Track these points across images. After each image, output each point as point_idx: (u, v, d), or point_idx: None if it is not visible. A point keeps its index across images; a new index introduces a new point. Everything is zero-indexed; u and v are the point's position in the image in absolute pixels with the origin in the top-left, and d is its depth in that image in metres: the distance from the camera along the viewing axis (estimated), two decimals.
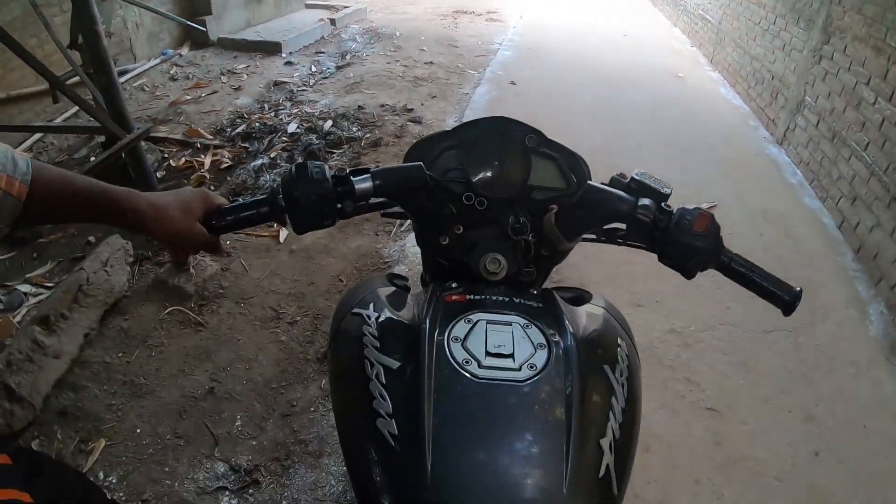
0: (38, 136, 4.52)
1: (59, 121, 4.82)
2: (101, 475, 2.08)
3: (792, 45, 5.31)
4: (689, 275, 0.92)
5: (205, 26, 6.85)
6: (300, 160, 4.20)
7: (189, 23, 6.06)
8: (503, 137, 1.10)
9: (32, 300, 2.85)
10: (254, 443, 2.24)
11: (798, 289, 0.92)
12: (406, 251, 3.35)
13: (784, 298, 0.92)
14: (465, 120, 5.07)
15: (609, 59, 7.92)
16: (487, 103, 5.72)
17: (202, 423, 2.31)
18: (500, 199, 1.09)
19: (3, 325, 2.56)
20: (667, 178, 0.99)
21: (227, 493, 2.07)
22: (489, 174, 1.10)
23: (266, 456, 2.19)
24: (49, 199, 0.80)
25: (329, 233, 3.47)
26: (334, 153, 4.40)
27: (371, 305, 0.99)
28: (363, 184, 0.94)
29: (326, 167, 0.92)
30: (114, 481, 2.07)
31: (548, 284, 1.17)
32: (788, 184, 4.55)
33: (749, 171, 4.72)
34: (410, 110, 5.34)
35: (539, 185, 1.11)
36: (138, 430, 2.26)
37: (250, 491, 2.08)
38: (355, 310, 0.99)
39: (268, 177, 3.98)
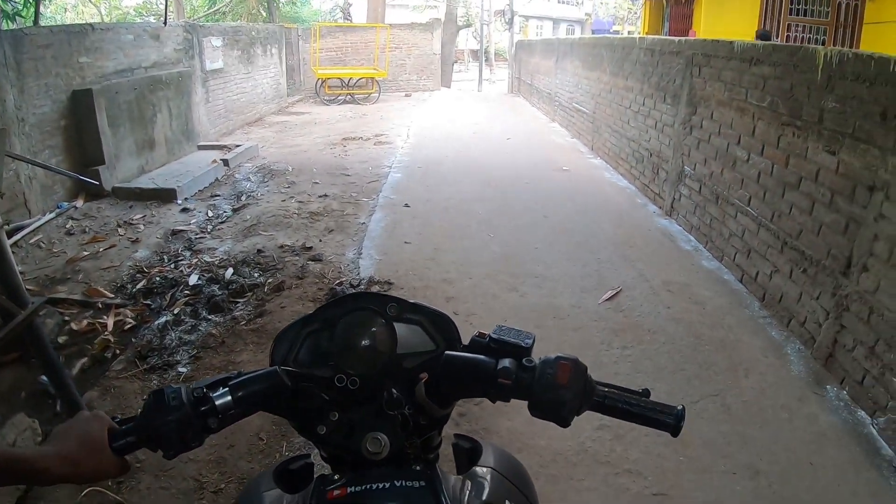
0: None
1: None
2: None
3: (663, 121, 5.72)
4: (563, 423, 0.89)
5: (98, 177, 6.69)
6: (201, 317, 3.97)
7: (81, 176, 5.88)
8: (364, 312, 1.08)
9: None
10: None
11: (679, 407, 0.90)
12: None
13: (667, 422, 0.89)
14: (363, 251, 5.23)
15: (497, 163, 8.25)
16: (384, 229, 5.77)
17: None
18: (372, 375, 1.06)
19: None
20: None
21: None
22: (357, 351, 1.07)
23: None
24: None
25: None
26: (238, 302, 4.28)
27: None
28: (222, 399, 0.93)
29: (184, 389, 0.91)
30: None
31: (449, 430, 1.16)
32: (684, 251, 4.76)
33: (645, 249, 4.91)
34: (309, 248, 5.30)
35: (408, 351, 1.10)
36: None
37: None
38: None
39: (173, 335, 3.81)
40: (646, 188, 6.25)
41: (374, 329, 1.07)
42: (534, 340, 0.95)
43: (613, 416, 0.91)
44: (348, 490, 0.94)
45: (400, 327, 1.08)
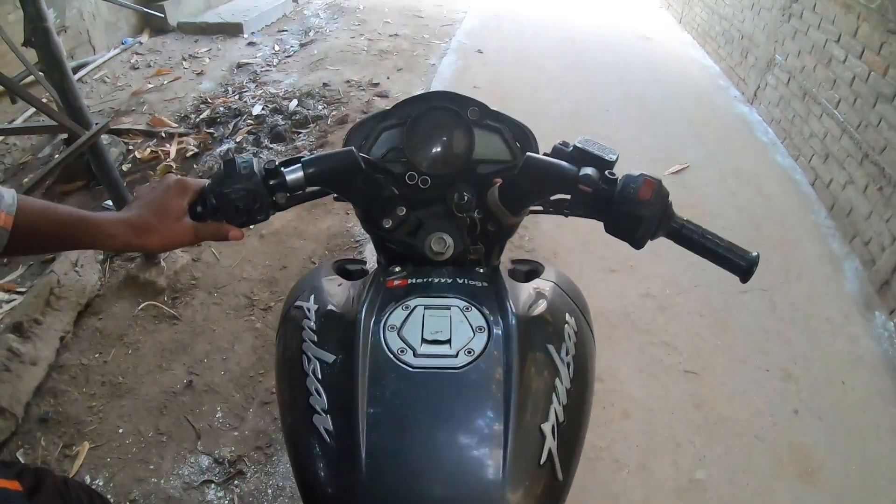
0: None
1: (20, 120, 4.64)
2: (88, 479, 2.06)
3: (761, 3, 5.26)
4: (637, 245, 0.88)
5: (163, 12, 6.63)
6: (253, 149, 4.05)
7: (146, 9, 5.87)
8: (444, 112, 1.06)
9: (5, 307, 2.78)
10: (236, 433, 2.24)
11: (755, 254, 0.87)
12: None
13: (740, 265, 0.87)
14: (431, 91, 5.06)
15: (576, 22, 7.83)
16: (454, 73, 5.63)
17: (183, 417, 2.30)
18: (444, 177, 1.06)
19: None
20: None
21: (212, 486, 2.06)
22: (431, 151, 1.06)
23: (249, 445, 2.19)
24: (33, 228, 0.82)
25: (298, 215, 3.44)
26: (300, 133, 4.30)
27: (312, 297, 0.97)
28: (294, 174, 0.91)
29: (255, 160, 0.89)
30: (100, 483, 2.05)
31: (507, 256, 1.16)
32: (760, 142, 4.53)
33: (720, 131, 4.70)
34: (377, 84, 5.24)
35: (484, 158, 1.08)
36: (121, 430, 2.25)
37: (235, 482, 2.08)
38: (297, 302, 0.98)
39: None
40: (731, 71, 5.87)
41: (452, 130, 1.06)
42: (618, 157, 0.91)
43: (688, 247, 0.90)
44: (409, 281, 0.95)
45: (479, 132, 1.07)
